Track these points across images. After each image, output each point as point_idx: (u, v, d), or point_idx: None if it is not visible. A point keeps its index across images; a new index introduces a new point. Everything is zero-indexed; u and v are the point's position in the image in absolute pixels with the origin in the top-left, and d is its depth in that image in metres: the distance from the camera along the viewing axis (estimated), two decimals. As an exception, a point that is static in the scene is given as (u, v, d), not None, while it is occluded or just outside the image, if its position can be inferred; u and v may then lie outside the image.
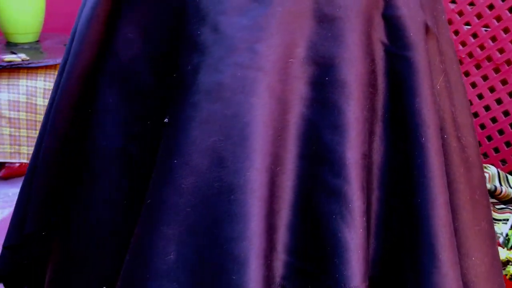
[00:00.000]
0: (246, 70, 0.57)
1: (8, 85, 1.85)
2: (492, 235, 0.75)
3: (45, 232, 0.69)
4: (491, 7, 1.88)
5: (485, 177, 0.76)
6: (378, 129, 0.64)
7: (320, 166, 0.60)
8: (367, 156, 0.62)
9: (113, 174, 0.65)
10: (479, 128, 2.01)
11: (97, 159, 0.65)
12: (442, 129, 0.68)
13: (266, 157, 0.57)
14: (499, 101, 1.94)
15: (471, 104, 2.00)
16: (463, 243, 0.71)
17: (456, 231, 0.71)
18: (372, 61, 0.62)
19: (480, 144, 2.00)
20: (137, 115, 0.64)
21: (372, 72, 0.62)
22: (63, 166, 0.66)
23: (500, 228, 1.74)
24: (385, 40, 0.63)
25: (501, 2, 1.85)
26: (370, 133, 0.64)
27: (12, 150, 1.94)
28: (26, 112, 1.89)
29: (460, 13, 1.96)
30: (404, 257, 0.64)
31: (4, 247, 0.72)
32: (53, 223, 0.68)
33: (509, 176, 1.94)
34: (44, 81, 1.89)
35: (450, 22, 1.97)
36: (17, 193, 0.76)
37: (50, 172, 0.66)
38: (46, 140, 0.66)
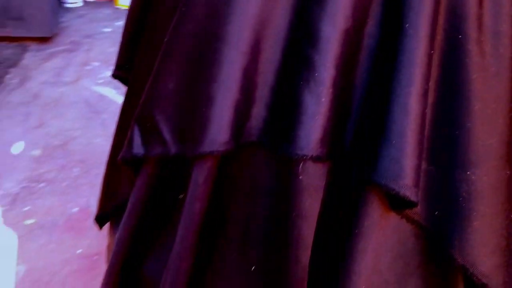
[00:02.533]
0: None
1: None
2: (506, 157, 0.68)
3: (128, 66, 0.91)
4: None
5: (510, 95, 0.68)
6: (375, 15, 0.65)
7: (303, 37, 0.66)
8: (351, 35, 0.64)
9: (166, 27, 0.81)
10: None
11: (158, 16, 0.83)
12: (455, 28, 0.64)
13: (252, 18, 0.66)
14: None
15: None
16: (460, 155, 0.67)
17: (455, 139, 0.68)
18: None
19: None
20: None
21: None
22: (138, 20, 0.86)
23: None
24: None
25: None
26: (366, 17, 0.65)
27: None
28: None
29: None
30: (370, 139, 0.65)
31: (112, 75, 0.97)
32: (131, 61, 0.90)
33: None
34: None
35: None
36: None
37: (131, 23, 0.87)
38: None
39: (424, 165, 0.68)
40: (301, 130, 0.66)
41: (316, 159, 0.67)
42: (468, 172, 0.68)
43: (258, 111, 0.69)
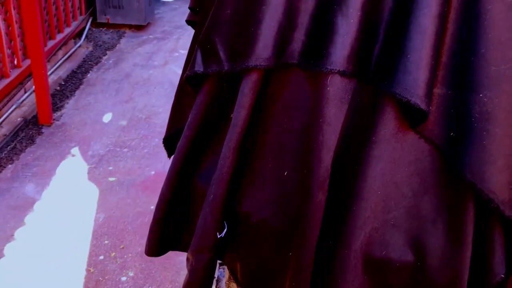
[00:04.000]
0: None
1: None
2: None
3: (198, 9, 1.05)
4: None
5: None
6: None
7: None
8: None
9: None
10: None
11: None
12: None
13: None
14: None
15: None
16: (474, 78, 0.74)
17: (470, 64, 0.75)
18: None
19: None
20: None
21: None
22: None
23: None
24: None
25: None
26: None
27: None
28: None
29: None
30: (391, 57, 0.74)
31: (186, 20, 1.12)
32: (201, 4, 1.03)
33: None
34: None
35: None
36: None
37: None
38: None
39: (443, 90, 0.76)
40: (331, 48, 0.76)
41: (343, 73, 0.76)
42: (480, 94, 0.74)
43: (299, 36, 0.80)
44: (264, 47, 0.79)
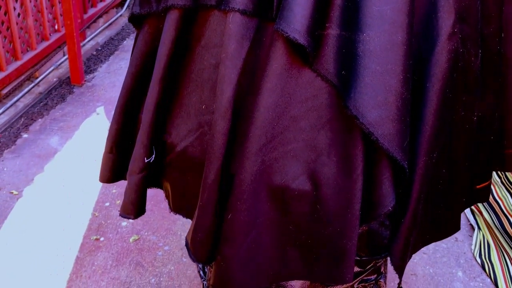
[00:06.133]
0: None
1: None
2: (400, 24, 0.78)
3: None
4: None
5: None
6: None
7: None
8: None
9: None
10: None
11: None
12: None
13: None
14: None
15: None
16: (360, 19, 0.79)
17: (357, 5, 0.80)
18: None
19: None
20: None
21: None
22: None
23: None
24: None
25: None
26: None
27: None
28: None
29: None
30: None
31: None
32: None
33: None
34: None
35: None
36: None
37: None
38: None
39: (336, 31, 0.81)
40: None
41: (243, 12, 0.83)
42: (364, 34, 0.79)
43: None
44: None
